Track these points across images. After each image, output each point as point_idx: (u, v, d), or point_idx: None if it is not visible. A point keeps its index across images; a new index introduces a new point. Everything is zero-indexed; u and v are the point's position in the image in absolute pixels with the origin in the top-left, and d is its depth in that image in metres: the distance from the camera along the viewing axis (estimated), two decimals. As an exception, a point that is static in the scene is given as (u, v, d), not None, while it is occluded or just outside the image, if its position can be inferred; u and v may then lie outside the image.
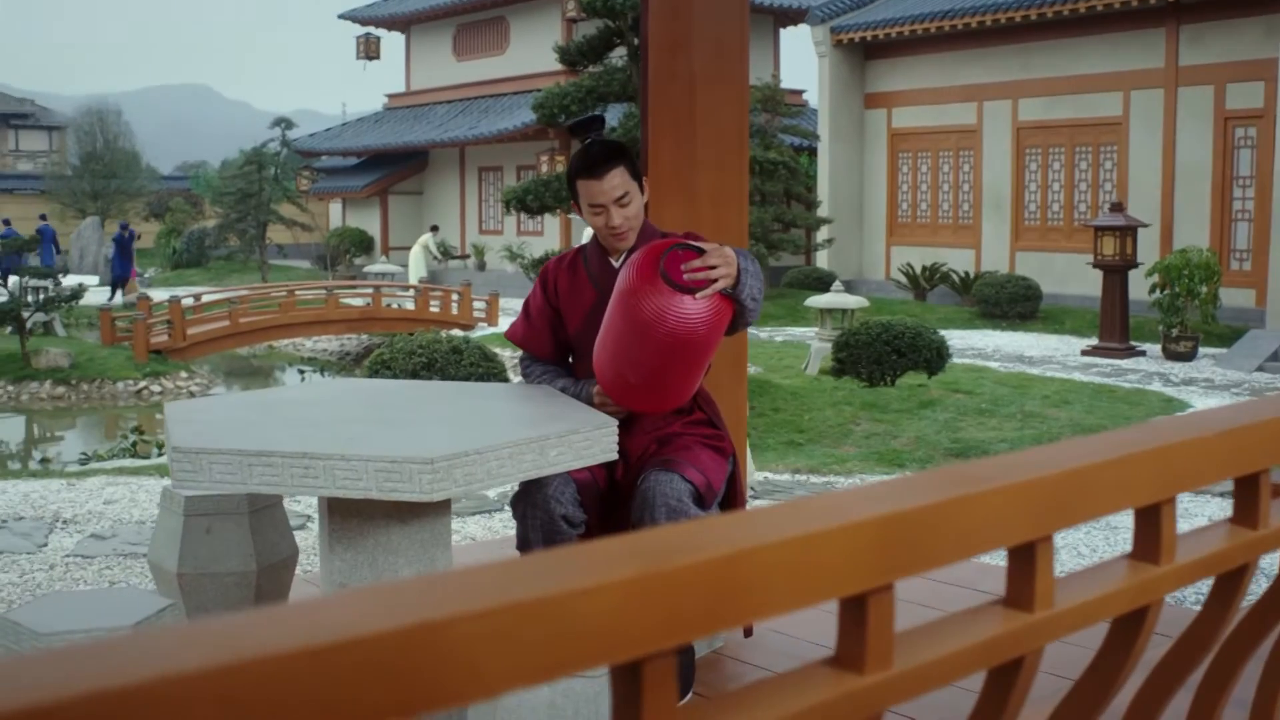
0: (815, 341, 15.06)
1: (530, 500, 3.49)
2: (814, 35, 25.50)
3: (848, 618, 0.92)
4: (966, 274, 22.73)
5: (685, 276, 3.26)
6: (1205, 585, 1.34)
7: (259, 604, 4.04)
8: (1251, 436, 1.21)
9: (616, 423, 3.19)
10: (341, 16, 37.02)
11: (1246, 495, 1.26)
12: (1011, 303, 20.51)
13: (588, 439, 3.09)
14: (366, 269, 29.51)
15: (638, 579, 0.75)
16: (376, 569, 3.16)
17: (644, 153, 5.49)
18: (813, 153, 26.33)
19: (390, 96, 37.71)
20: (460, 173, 34.19)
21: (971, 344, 18.07)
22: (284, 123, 33.23)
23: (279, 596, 4.11)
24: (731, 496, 3.76)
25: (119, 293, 26.97)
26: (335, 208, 39.10)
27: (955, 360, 14.89)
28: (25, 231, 33.68)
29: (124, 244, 27.93)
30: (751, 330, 20.11)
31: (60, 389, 16.76)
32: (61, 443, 14.96)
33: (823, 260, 25.59)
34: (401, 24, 36.22)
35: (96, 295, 26.93)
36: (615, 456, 3.19)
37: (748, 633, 4.02)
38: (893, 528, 0.91)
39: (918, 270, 23.39)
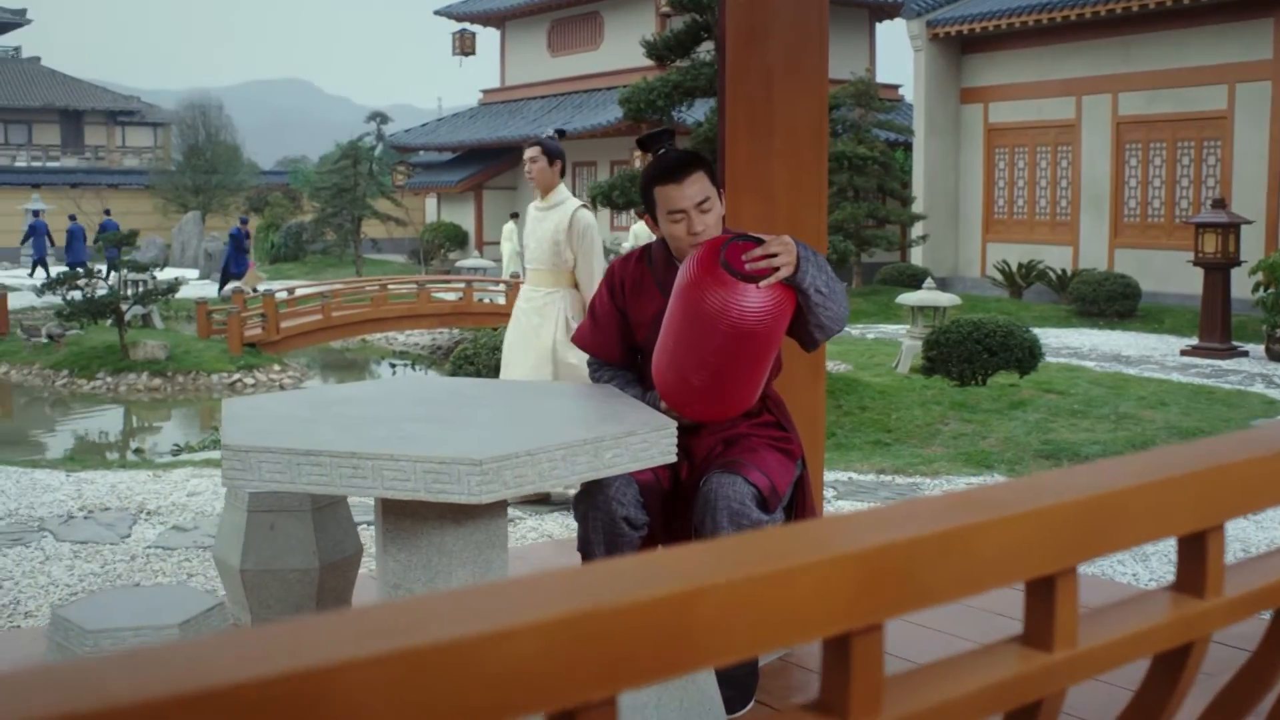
0: (906, 339, 14.85)
1: (591, 501, 3.42)
2: (910, 29, 25.18)
3: (832, 658, 0.84)
4: (1063, 271, 22.30)
5: (747, 266, 3.18)
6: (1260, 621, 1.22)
7: (322, 602, 4.02)
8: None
9: (675, 425, 3.10)
10: (437, 13, 37.29)
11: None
12: (1109, 301, 20.08)
13: (645, 441, 3.01)
14: (459, 264, 29.70)
15: (571, 619, 0.68)
16: (431, 570, 3.11)
17: (721, 148, 5.40)
18: (908, 148, 26.02)
19: (485, 92, 37.92)
20: (594, 170, 34.31)
21: (1067, 343, 17.71)
22: (379, 117, 33.52)
23: (342, 594, 4.08)
24: (799, 500, 3.66)
25: (230, 286, 27.47)
26: (431, 202, 39.43)
27: (1049, 360, 14.60)
28: (128, 226, 34.36)
29: (239, 240, 28.46)
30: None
31: (156, 380, 17.03)
32: (156, 434, 15.19)
33: (917, 257, 25.27)
34: (497, 20, 36.40)
35: (195, 289, 27.40)
36: (674, 459, 3.11)
37: None
38: (884, 560, 0.82)
39: (1013, 268, 22.99)
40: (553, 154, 6.90)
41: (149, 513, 7.39)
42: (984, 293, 23.46)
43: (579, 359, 6.51)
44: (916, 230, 24.77)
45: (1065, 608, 0.91)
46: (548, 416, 3.19)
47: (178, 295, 20.40)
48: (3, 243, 40.13)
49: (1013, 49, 24.05)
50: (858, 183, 21.62)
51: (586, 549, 3.46)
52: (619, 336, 3.68)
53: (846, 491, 8.00)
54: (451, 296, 23.04)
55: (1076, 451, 9.23)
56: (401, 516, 3.10)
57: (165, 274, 23.00)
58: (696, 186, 3.43)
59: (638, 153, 26.73)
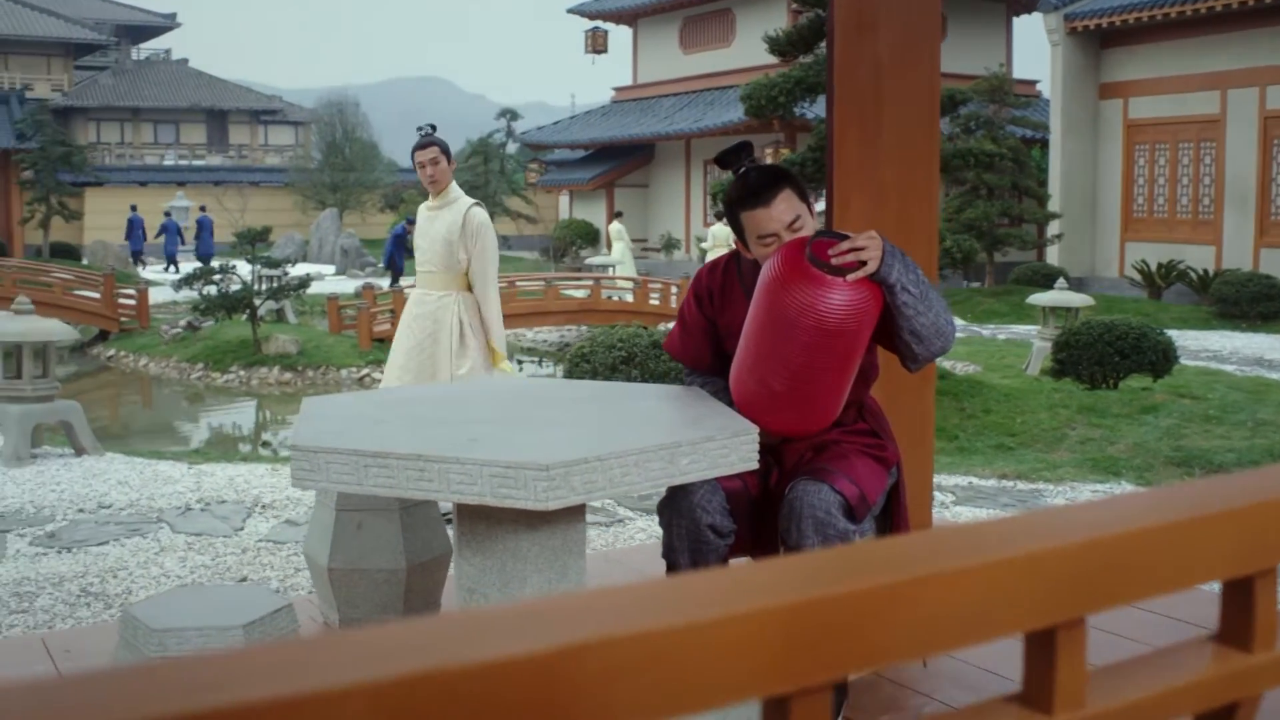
0: (1037, 341, 14.47)
1: (676, 508, 3.32)
2: (1046, 23, 24.58)
3: (1034, 653, 0.88)
4: (1205, 272, 21.58)
5: (834, 260, 3.06)
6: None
7: (409, 602, 3.98)
8: None
9: (756, 430, 2.99)
10: (570, 11, 37.47)
11: None
12: (1253, 302, 19.37)
13: (724, 446, 2.90)
14: (587, 261, 29.79)
15: (793, 606, 0.74)
16: (505, 576, 3.04)
17: (829, 145, 5.25)
18: (1045, 145, 25.43)
19: (617, 90, 38.00)
20: (685, 165, 34.23)
21: (1207, 346, 17.13)
22: (509, 114, 33.76)
23: (430, 595, 4.04)
24: (893, 510, 3.52)
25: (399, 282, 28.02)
26: (564, 200, 39.65)
27: (1187, 363, 14.12)
28: (267, 223, 35.09)
29: (401, 238, 29.11)
30: (974, 327, 19.50)
31: (287, 375, 17.33)
32: (285, 427, 15.46)
33: (1053, 256, 24.66)
34: (629, 18, 36.44)
35: (330, 285, 27.86)
36: (755, 465, 3.00)
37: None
38: (1091, 556, 0.86)
39: (1153, 268, 22.32)
40: (449, 153, 6.69)
41: (264, 506, 7.47)
42: (1121, 293, 22.81)
43: (470, 369, 6.47)
44: (1052, 229, 24.18)
45: (1266, 607, 0.91)
46: (625, 420, 3.10)
47: (311, 291, 20.78)
48: (155, 238, 41.24)
49: (1154, 42, 23.34)
50: (990, 180, 21.15)
51: (671, 557, 3.37)
52: (709, 343, 3.56)
53: (965, 497, 7.79)
54: (580, 294, 23.10)
55: (1209, 459, 8.87)
56: (476, 520, 3.03)
57: (298, 270, 23.46)
58: (786, 206, 3.26)
59: (769, 150, 26.53)
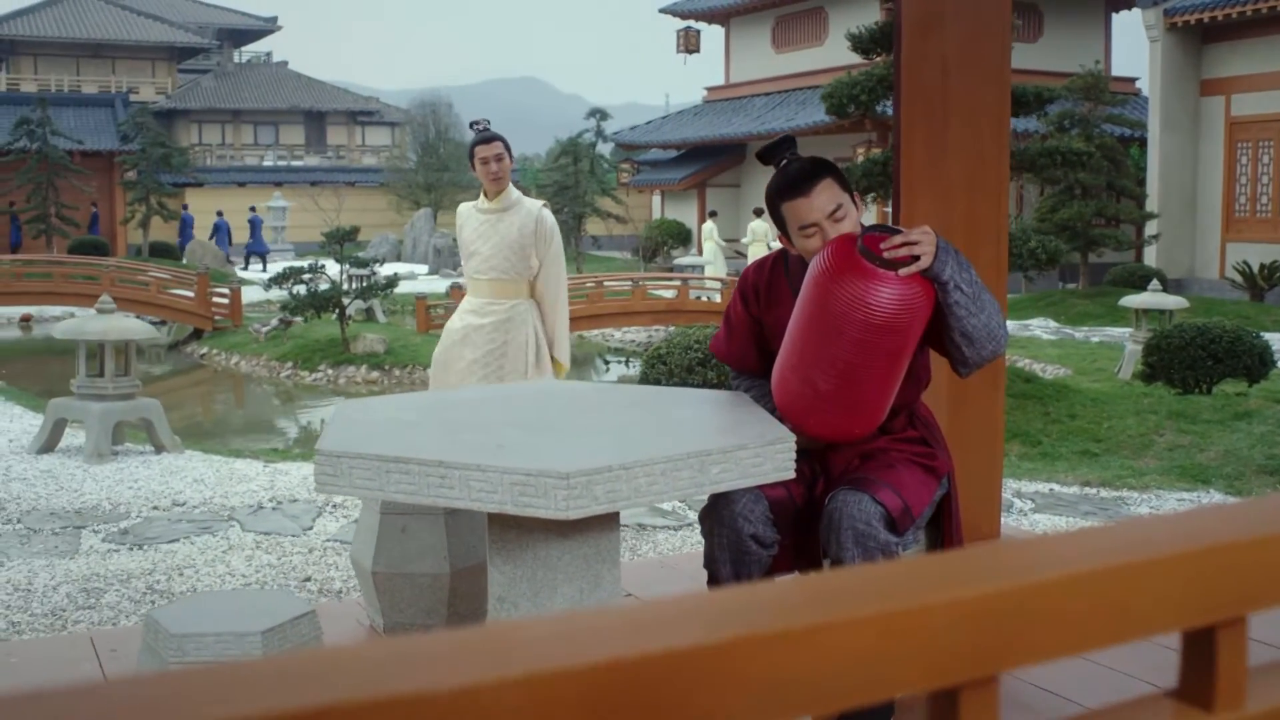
0: (1129, 344, 14.14)
1: (717, 517, 3.23)
2: (1145, 19, 24.05)
3: (1192, 651, 0.91)
4: (1310, 273, 20.98)
5: (886, 254, 2.95)
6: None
7: (454, 607, 3.93)
8: None
9: (793, 438, 2.89)
10: (662, 11, 37.43)
11: None
12: (1360, 305, 18.79)
13: (758, 455, 2.81)
14: (676, 261, 29.72)
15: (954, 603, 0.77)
16: (535, 584, 2.98)
17: (896, 144, 5.13)
18: (1144, 143, 24.90)
19: (709, 89, 37.89)
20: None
21: (1310, 350, 16.61)
22: (598, 114, 33.80)
23: (476, 600, 3.99)
24: (944, 521, 3.40)
25: None
26: (656, 200, 39.62)
27: (1288, 367, 13.70)
28: (362, 223, 35.48)
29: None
30: (1066, 329, 19.11)
31: (374, 373, 17.47)
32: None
33: (1151, 257, 24.13)
34: (721, 17, 36.31)
35: (423, 284, 28.06)
36: (791, 475, 2.90)
37: None
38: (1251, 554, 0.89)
39: (1255, 269, 21.73)
40: (510, 150, 6.24)
41: (334, 506, 7.49)
42: (1222, 295, 22.24)
43: None
44: (1149, 229, 23.66)
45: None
46: (659, 427, 3.02)
47: (403, 290, 20.93)
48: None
49: (1258, 37, 22.71)
50: (1084, 179, 20.72)
51: (712, 568, 3.28)
52: (755, 344, 3.47)
53: (1046, 504, 7.60)
54: (668, 294, 23.04)
55: (1305, 468, 8.57)
56: (506, 527, 2.97)
57: (391, 269, 23.66)
58: (826, 195, 3.17)
59: (860, 149, 26.26)
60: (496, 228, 6.13)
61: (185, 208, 35.69)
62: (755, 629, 0.74)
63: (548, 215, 6.21)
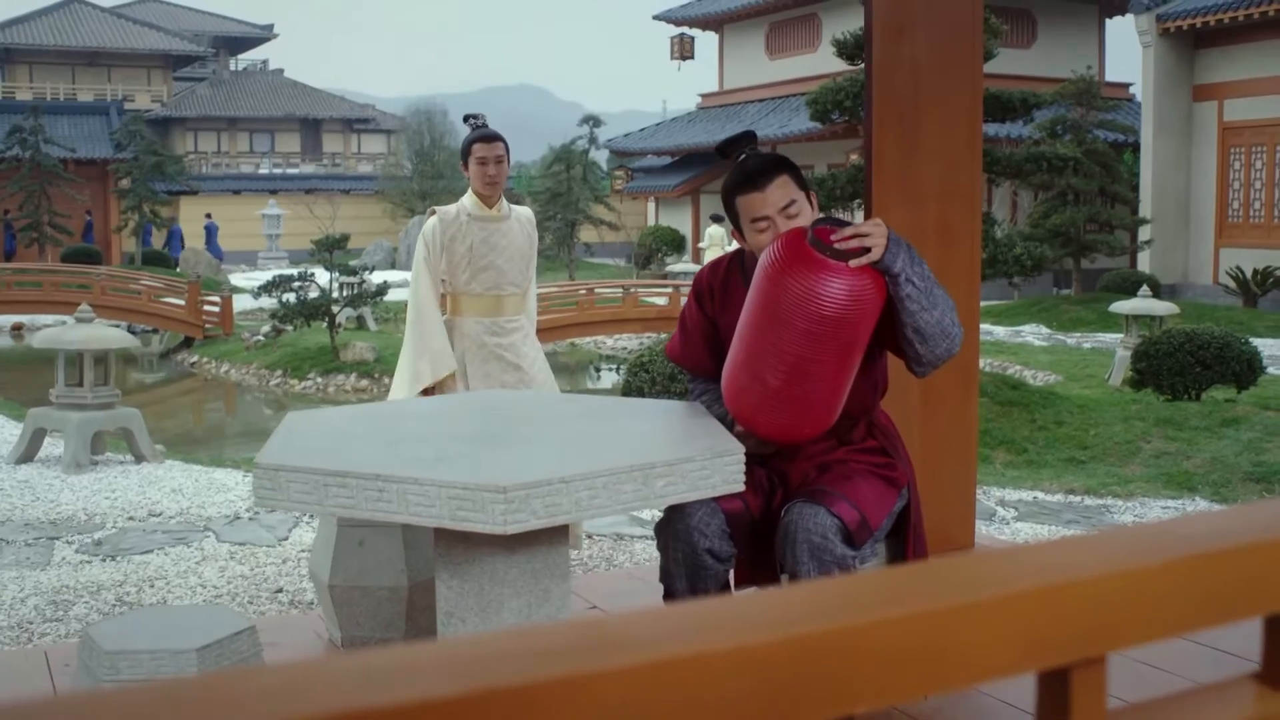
0: (1120, 350, 14.09)
1: (672, 531, 3.17)
2: (1138, 24, 24.03)
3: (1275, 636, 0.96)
4: (1304, 279, 20.94)
5: (837, 245, 2.91)
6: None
7: (412, 621, 3.88)
8: None
9: (742, 450, 2.83)
10: (656, 17, 37.42)
11: None
12: (1353, 310, 18.74)
13: (705, 468, 2.75)
14: (669, 268, 29.68)
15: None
16: (483, 599, 2.92)
17: (867, 149, 5.08)
18: (1137, 149, 24.87)
19: (703, 96, 37.87)
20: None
21: (1302, 355, 16.56)
22: (592, 121, 33.77)
23: (434, 614, 3.93)
24: (905, 533, 3.34)
25: None
26: (650, 206, 39.59)
27: (1278, 373, 13.66)
28: (356, 229, 35.39)
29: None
30: (1058, 335, 19.06)
31: (363, 381, 17.41)
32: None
33: (1145, 263, 24.08)
34: (715, 24, 36.30)
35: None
36: (740, 488, 2.84)
37: None
38: None
39: (1248, 274, 21.68)
40: (509, 154, 5.67)
41: (311, 516, 7.43)
42: (1215, 301, 22.19)
43: None
44: (1142, 234, 23.63)
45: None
46: (609, 440, 2.96)
47: (395, 297, 20.82)
48: (246, 246, 41.87)
49: (1251, 42, 22.68)
50: (1077, 185, 20.68)
51: (668, 582, 3.22)
52: (710, 347, 3.40)
53: (1029, 513, 7.55)
54: (660, 301, 22.97)
55: (1291, 475, 8.51)
56: (453, 541, 2.91)
57: (386, 277, 23.57)
58: (781, 191, 3.14)
59: (854, 155, 26.23)
60: (507, 238, 5.57)
61: (173, 219, 35.50)
62: (908, 608, 0.79)
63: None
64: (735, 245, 3.38)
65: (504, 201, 5.62)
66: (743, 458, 2.81)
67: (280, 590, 5.96)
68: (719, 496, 2.98)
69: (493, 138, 5.48)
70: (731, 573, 3.33)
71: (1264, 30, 22.30)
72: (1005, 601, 0.81)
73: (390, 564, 3.84)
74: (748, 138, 3.29)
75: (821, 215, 3.12)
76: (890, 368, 4.59)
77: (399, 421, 3.14)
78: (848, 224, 2.98)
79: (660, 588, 3.27)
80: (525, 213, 5.79)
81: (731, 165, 3.28)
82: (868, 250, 2.89)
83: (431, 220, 5.63)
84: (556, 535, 2.94)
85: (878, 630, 0.78)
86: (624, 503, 2.64)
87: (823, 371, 2.94)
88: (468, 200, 5.56)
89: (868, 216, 5.12)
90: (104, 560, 6.49)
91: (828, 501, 3.03)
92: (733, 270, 3.40)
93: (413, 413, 3.26)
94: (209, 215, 38.46)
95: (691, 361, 3.46)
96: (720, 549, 3.16)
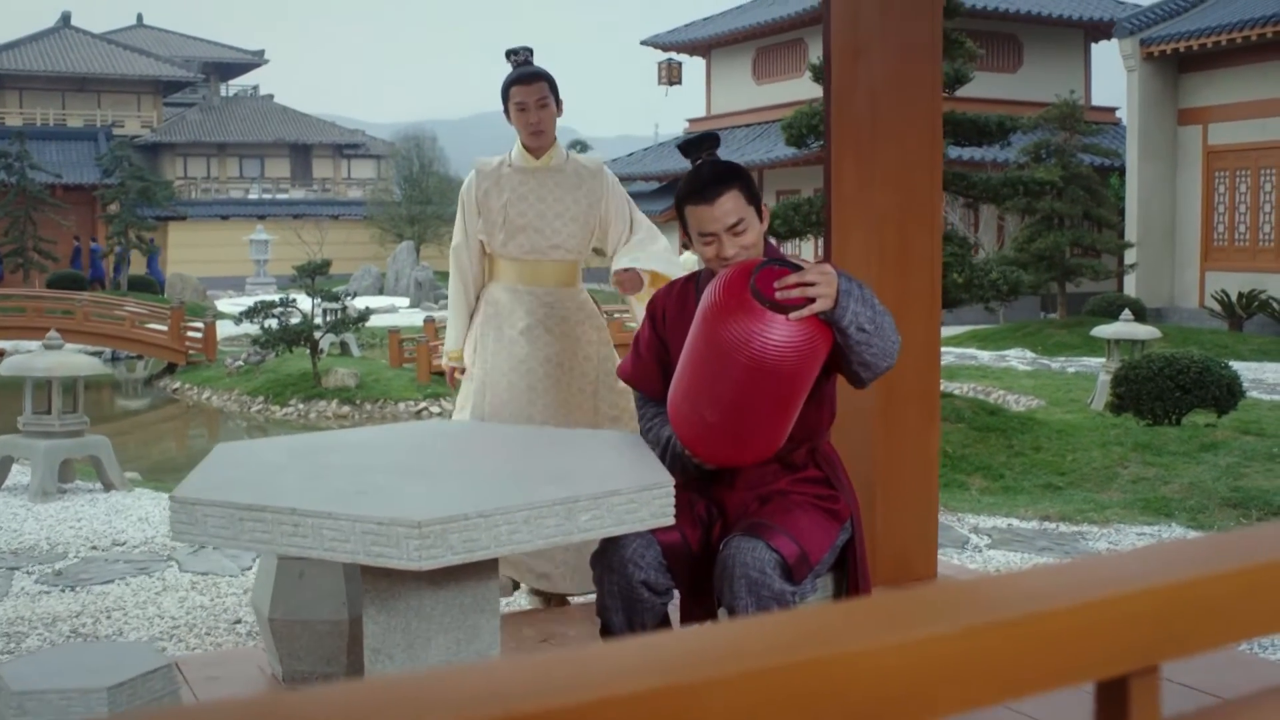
0: (1102, 374, 14.04)
1: (606, 563, 3.11)
2: (1122, 48, 24.09)
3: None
4: (1288, 302, 20.94)
5: (779, 294, 2.83)
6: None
7: (353, 655, 3.80)
8: None
9: (671, 484, 2.76)
10: (644, 43, 37.49)
11: None
12: (1338, 334, 18.72)
13: (632, 501, 2.68)
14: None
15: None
16: (409, 635, 2.85)
17: (826, 174, 5.03)
18: (1123, 172, 24.89)
19: (690, 121, 37.90)
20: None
21: (1286, 379, 16.54)
22: (578, 146, 33.80)
23: (377, 648, 3.86)
24: (850, 566, 3.27)
25: None
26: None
27: (1262, 397, 13.63)
28: (344, 254, 35.41)
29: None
30: (1043, 360, 19.01)
31: (345, 408, 17.33)
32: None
33: (1131, 286, 24.08)
34: (702, 49, 36.38)
35: (403, 317, 27.93)
36: (669, 521, 2.78)
37: None
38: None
39: (1233, 298, 21.68)
40: (558, 93, 4.77)
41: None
42: (1201, 324, 22.18)
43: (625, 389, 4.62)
44: (1127, 258, 23.64)
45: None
46: (539, 472, 2.89)
47: (384, 323, 20.80)
48: (234, 271, 41.78)
49: (1234, 66, 22.74)
50: (1060, 209, 20.70)
51: (604, 616, 3.16)
52: (660, 368, 3.34)
53: (1002, 540, 7.48)
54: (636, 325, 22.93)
55: (1269, 500, 8.45)
56: (378, 576, 2.84)
57: (375, 302, 23.54)
58: (729, 206, 3.08)
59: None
60: (556, 193, 4.73)
61: (151, 241, 35.20)
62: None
63: (611, 174, 4.98)
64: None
65: (559, 149, 4.80)
66: (672, 491, 2.75)
67: (239, 621, 5.88)
68: (655, 528, 2.91)
69: (532, 77, 4.66)
70: (678, 607, 3.27)
71: (1247, 54, 22.35)
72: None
73: (331, 597, 3.76)
74: (709, 140, 3.24)
75: (773, 257, 3.05)
76: (847, 394, 4.54)
77: (328, 453, 3.07)
78: (798, 266, 2.91)
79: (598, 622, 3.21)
80: (589, 163, 4.88)
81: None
82: (812, 300, 2.82)
83: (470, 175, 4.90)
84: (485, 569, 2.87)
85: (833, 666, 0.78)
86: (547, 536, 2.57)
87: (760, 414, 2.91)
88: (515, 149, 4.81)
89: (827, 241, 5.07)
90: (63, 591, 6.41)
91: (766, 535, 2.97)
92: (687, 291, 3.34)
93: (344, 444, 3.19)
94: (93, 238, 37.91)
95: (642, 383, 3.40)
96: (656, 581, 3.10)
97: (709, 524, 3.21)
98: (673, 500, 2.75)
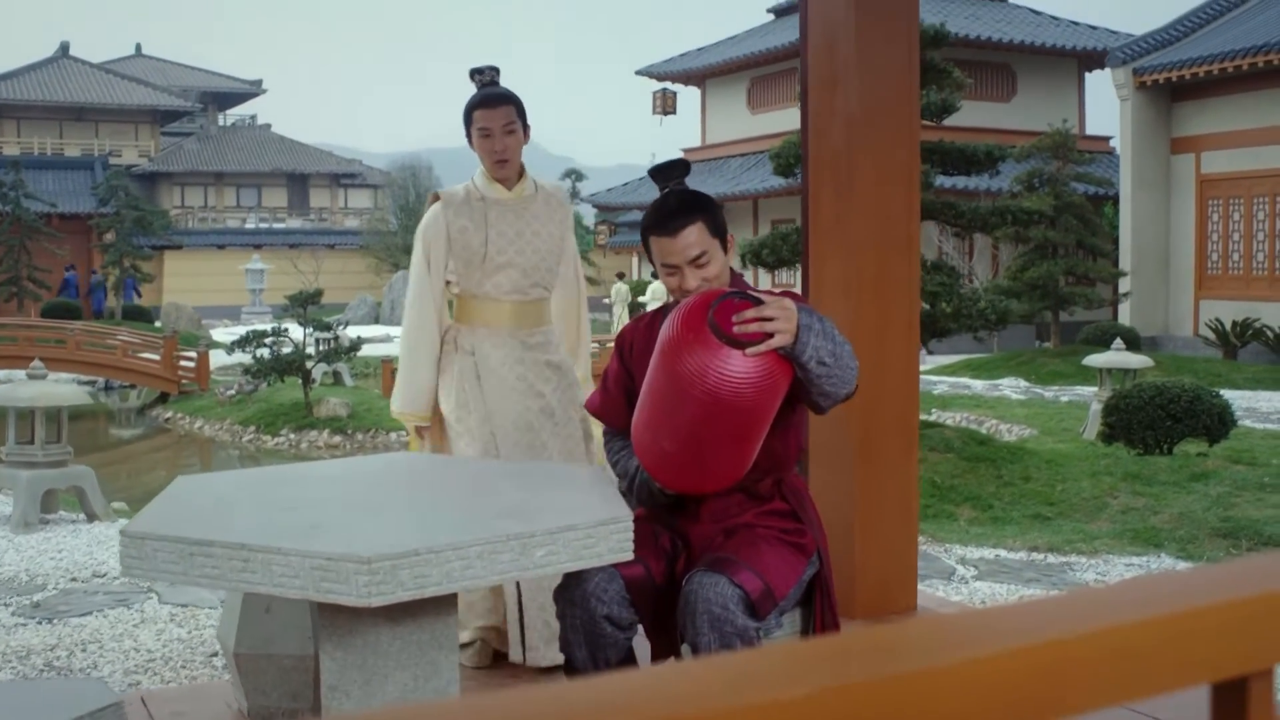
0: (1094, 403, 14.01)
1: (569, 597, 3.07)
2: (1115, 78, 24.15)
3: None
4: (1282, 330, 20.92)
5: (736, 329, 2.80)
6: None
7: (318, 692, 3.74)
8: None
9: (630, 518, 2.72)
10: (639, 73, 37.58)
11: None
12: (1332, 362, 18.70)
13: (589, 536, 2.64)
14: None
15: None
16: (366, 672, 2.80)
17: (804, 203, 5.01)
18: (1117, 201, 24.93)
19: (685, 151, 37.95)
20: (754, 225, 34.01)
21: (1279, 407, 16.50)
22: (574, 175, 33.84)
23: (344, 684, 3.81)
24: (817, 598, 3.22)
25: None
26: (634, 260, 39.63)
27: (1255, 426, 13.59)
28: (340, 284, 35.38)
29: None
30: (1036, 389, 18.97)
31: (337, 438, 17.28)
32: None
33: (1125, 315, 24.07)
34: (697, 78, 36.47)
35: (398, 346, 27.90)
36: (628, 556, 2.73)
37: None
38: None
39: (1228, 326, 21.66)
40: (525, 118, 4.35)
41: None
42: (1195, 353, 22.16)
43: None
44: (1121, 287, 23.65)
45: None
46: (495, 507, 2.85)
47: (377, 352, 20.76)
48: (230, 300, 41.79)
49: (1226, 95, 22.79)
50: (1053, 238, 20.72)
51: (567, 650, 3.11)
52: (628, 401, 3.30)
53: (989, 571, 7.42)
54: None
55: (1258, 530, 8.40)
56: (336, 611, 2.79)
57: (364, 331, 23.51)
58: (692, 239, 3.06)
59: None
60: (532, 226, 4.36)
61: (134, 269, 34.98)
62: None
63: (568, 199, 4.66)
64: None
65: (528, 178, 4.43)
66: (631, 526, 2.71)
67: (215, 654, 5.81)
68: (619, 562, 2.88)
69: (498, 99, 4.24)
70: (646, 641, 3.23)
71: (1239, 83, 22.41)
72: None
73: (297, 631, 3.72)
74: (679, 167, 3.22)
75: (734, 289, 3.02)
76: (824, 424, 4.50)
77: (286, 486, 3.04)
78: (759, 299, 2.88)
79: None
80: (554, 190, 4.55)
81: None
82: (770, 335, 2.79)
83: (434, 208, 4.38)
84: (444, 605, 2.83)
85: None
86: (501, 572, 2.53)
87: (718, 446, 2.88)
88: (479, 178, 4.38)
89: (805, 271, 5.04)
90: (39, 623, 6.35)
91: (730, 570, 2.92)
92: (654, 324, 3.31)
93: (303, 477, 3.15)
94: (72, 267, 37.82)
95: (609, 416, 3.36)
96: (619, 616, 3.05)
97: (674, 557, 3.17)
98: (631, 536, 2.71)
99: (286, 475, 3.26)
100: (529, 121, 4.37)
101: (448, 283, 4.40)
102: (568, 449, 4.30)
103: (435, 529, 2.58)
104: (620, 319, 27.99)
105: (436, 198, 4.42)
